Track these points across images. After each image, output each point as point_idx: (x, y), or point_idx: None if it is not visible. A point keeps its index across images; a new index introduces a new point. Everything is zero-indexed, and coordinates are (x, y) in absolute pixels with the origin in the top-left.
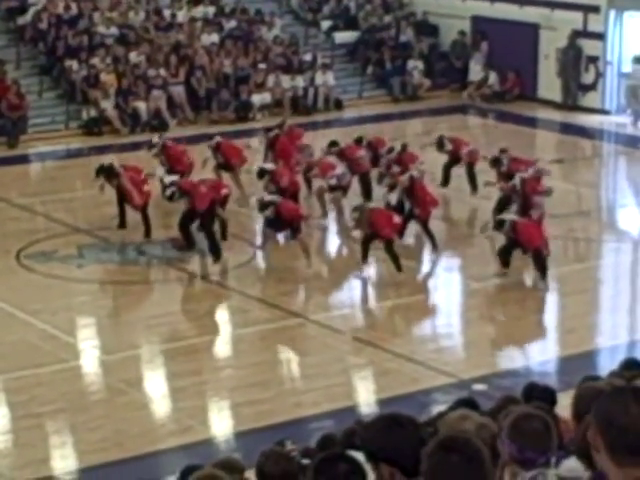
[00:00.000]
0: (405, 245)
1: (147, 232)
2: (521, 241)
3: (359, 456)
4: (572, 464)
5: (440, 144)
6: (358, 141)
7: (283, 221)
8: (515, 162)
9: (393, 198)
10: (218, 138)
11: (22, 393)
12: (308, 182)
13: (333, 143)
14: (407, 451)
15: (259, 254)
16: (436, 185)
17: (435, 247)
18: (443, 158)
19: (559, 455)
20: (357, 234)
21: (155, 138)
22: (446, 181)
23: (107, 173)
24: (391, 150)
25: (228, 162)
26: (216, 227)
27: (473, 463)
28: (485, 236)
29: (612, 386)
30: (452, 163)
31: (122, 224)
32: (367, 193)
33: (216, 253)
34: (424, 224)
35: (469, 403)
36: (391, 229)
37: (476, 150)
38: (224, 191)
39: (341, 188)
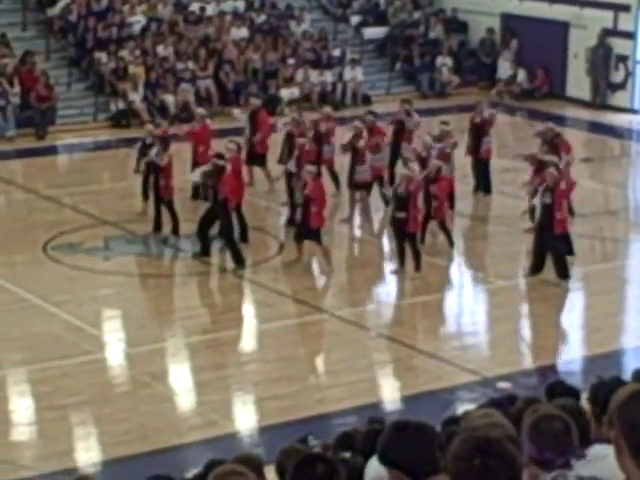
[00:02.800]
0: (429, 242)
1: (175, 227)
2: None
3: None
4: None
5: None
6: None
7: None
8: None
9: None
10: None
11: (47, 384)
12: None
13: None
14: (413, 456)
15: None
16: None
17: (451, 244)
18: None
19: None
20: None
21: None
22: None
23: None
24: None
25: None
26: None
27: (509, 467)
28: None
29: (635, 388)
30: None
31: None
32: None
33: (239, 261)
34: (441, 222)
35: (501, 403)
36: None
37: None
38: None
39: (366, 186)
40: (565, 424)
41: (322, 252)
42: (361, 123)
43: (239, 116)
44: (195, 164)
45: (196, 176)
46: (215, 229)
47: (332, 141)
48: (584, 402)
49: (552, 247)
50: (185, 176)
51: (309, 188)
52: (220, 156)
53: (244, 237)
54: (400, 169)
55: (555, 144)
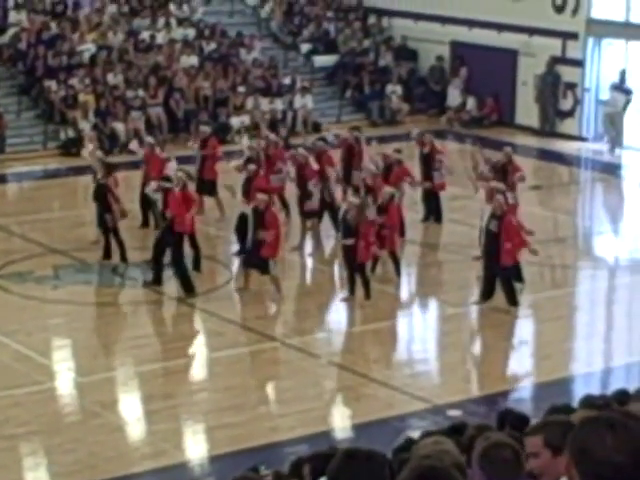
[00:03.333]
0: (380, 270)
1: (122, 255)
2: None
3: None
4: None
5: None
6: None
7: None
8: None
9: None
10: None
11: None
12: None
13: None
14: None
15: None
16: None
17: (398, 274)
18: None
19: None
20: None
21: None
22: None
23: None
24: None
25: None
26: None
27: None
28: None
29: (586, 417)
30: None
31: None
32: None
33: (189, 289)
34: (392, 251)
35: (458, 429)
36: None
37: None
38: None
39: (316, 214)
40: (515, 452)
41: (272, 280)
42: (306, 151)
43: (192, 145)
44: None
45: (152, 188)
46: (168, 257)
47: (282, 169)
48: None
49: (500, 274)
50: (134, 205)
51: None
52: (167, 179)
53: (197, 266)
54: (349, 196)
55: (505, 170)
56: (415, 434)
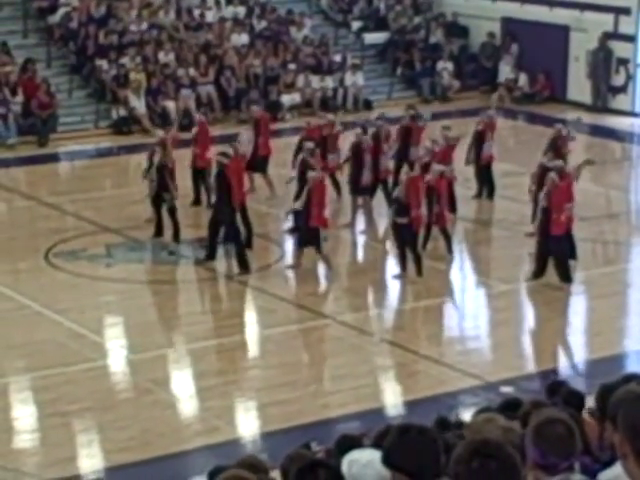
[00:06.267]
0: (431, 247)
1: (176, 234)
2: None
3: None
4: (617, 471)
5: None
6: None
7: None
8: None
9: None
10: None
11: (49, 392)
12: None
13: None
14: (416, 460)
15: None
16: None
17: (450, 251)
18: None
19: (584, 460)
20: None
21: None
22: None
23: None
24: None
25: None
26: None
27: (508, 469)
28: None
29: (635, 392)
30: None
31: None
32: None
33: (244, 266)
34: (442, 228)
35: (511, 406)
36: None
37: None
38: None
39: (368, 190)
40: (568, 428)
41: (322, 258)
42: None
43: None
44: (195, 168)
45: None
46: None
47: (336, 148)
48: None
49: (554, 250)
50: (185, 182)
51: (311, 191)
52: (224, 154)
53: (249, 243)
54: (403, 174)
55: (558, 146)
56: (464, 412)
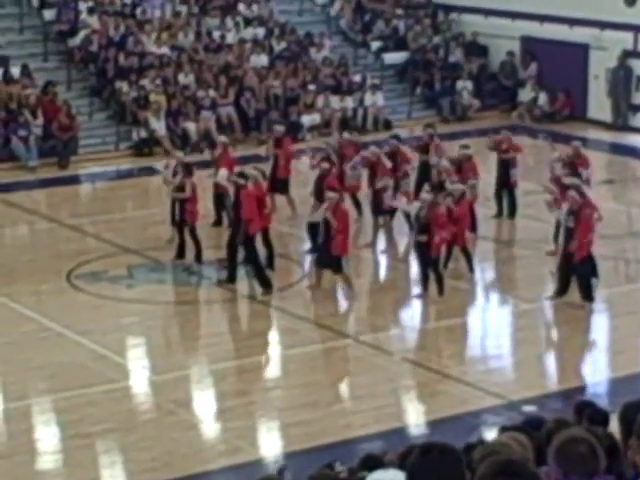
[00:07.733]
0: (452, 266)
1: (198, 254)
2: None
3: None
4: None
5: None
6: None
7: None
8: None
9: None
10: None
11: (72, 413)
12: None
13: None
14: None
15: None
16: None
17: (471, 269)
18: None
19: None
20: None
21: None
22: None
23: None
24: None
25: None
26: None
27: None
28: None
29: None
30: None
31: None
32: None
33: (267, 285)
34: (463, 247)
35: (534, 424)
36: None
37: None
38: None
39: (388, 211)
40: (591, 447)
41: (343, 279)
42: (379, 149)
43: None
44: (217, 190)
45: (222, 176)
46: (241, 254)
47: (357, 167)
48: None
49: (577, 270)
50: (207, 203)
51: (331, 215)
52: (242, 175)
53: (271, 263)
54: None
55: (574, 164)
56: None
